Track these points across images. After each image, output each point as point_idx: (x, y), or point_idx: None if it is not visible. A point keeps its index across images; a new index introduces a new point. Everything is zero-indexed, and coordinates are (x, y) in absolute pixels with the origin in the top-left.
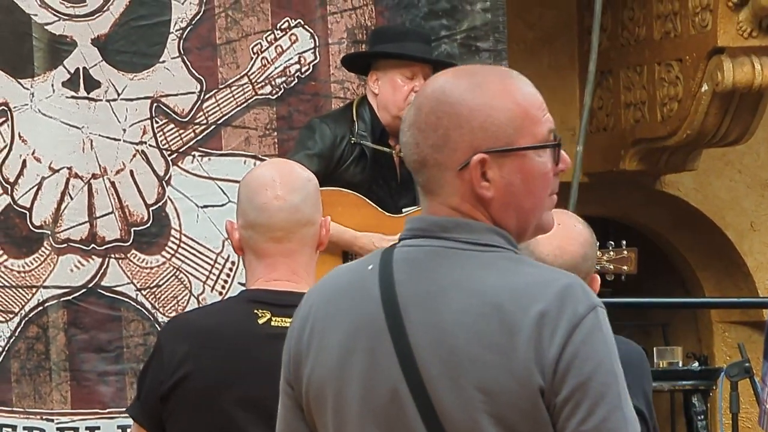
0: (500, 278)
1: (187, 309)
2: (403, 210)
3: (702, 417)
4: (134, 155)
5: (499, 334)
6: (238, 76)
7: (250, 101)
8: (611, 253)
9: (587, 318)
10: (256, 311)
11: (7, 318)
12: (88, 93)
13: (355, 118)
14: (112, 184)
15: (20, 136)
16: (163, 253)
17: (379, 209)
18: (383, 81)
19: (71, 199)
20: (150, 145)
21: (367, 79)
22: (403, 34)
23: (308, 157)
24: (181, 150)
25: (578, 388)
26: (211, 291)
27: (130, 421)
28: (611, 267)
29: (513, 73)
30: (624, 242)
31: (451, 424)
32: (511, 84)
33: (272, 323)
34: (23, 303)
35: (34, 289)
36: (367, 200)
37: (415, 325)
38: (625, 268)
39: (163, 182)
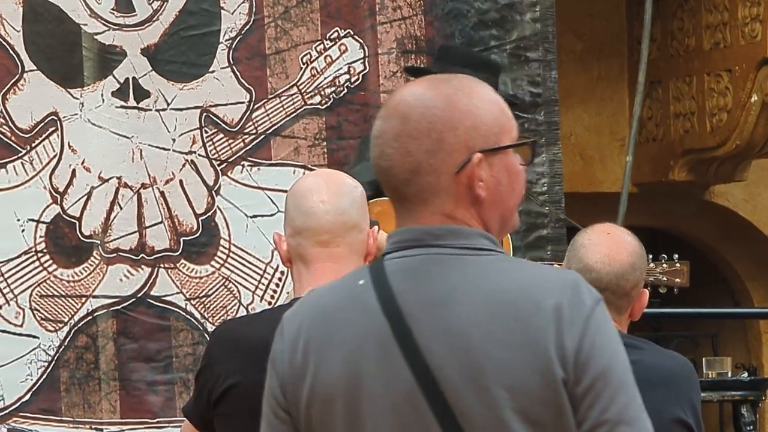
0: (505, 278)
1: None
2: None
3: (751, 427)
4: (184, 165)
5: (515, 330)
6: (288, 86)
7: (299, 111)
8: (664, 265)
9: (596, 310)
10: None
11: (57, 327)
12: (138, 103)
13: None
14: (162, 193)
15: (70, 146)
16: (213, 262)
17: None
18: None
19: (120, 208)
20: (199, 155)
21: None
22: (479, 63)
23: (369, 167)
24: (230, 160)
25: (599, 378)
26: (261, 300)
27: (179, 431)
28: (664, 279)
29: (475, 79)
30: (676, 255)
31: (473, 426)
32: (482, 87)
33: None
34: (72, 313)
35: (83, 299)
36: None
37: (425, 333)
38: (678, 280)
39: (213, 192)
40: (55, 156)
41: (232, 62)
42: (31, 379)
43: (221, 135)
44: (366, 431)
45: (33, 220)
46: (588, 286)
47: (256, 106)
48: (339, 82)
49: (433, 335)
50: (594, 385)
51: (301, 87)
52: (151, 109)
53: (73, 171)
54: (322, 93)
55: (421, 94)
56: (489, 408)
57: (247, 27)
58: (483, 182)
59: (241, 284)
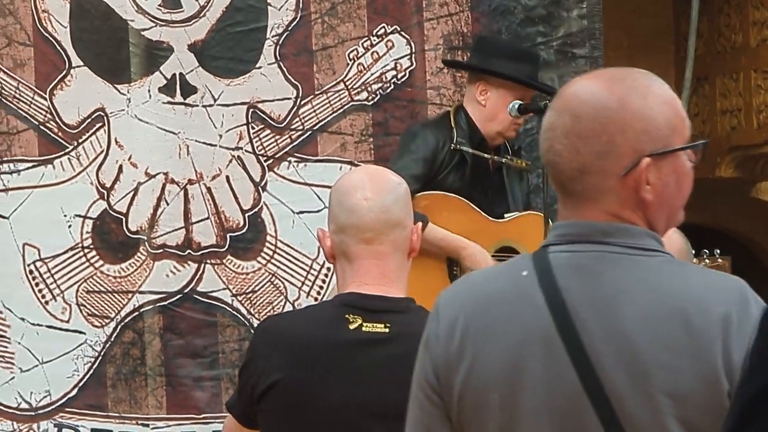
0: (674, 283)
1: None
2: (506, 215)
3: None
4: (230, 161)
5: (684, 337)
6: (334, 82)
7: (346, 107)
8: (706, 260)
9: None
10: (347, 316)
11: (103, 323)
12: (185, 98)
13: (453, 126)
14: (208, 189)
15: (117, 142)
16: (259, 258)
17: (483, 214)
18: (494, 96)
19: (167, 204)
20: (246, 151)
21: (472, 85)
22: (519, 54)
23: (414, 160)
24: (277, 156)
25: None
26: (307, 297)
27: None
28: None
29: (652, 75)
30: (717, 251)
31: (635, 430)
32: (659, 85)
33: (363, 329)
34: (119, 308)
35: (129, 295)
36: (471, 205)
37: (591, 333)
38: None
39: (259, 188)
40: (101, 152)
41: (278, 58)
42: (78, 375)
43: (268, 131)
44: (521, 429)
45: (80, 215)
46: (754, 295)
47: (302, 102)
48: (385, 78)
49: (599, 336)
50: None
51: (347, 83)
52: (197, 105)
53: (120, 167)
54: (369, 89)
55: (595, 92)
56: (652, 414)
57: (294, 23)
58: (650, 185)
59: (287, 280)
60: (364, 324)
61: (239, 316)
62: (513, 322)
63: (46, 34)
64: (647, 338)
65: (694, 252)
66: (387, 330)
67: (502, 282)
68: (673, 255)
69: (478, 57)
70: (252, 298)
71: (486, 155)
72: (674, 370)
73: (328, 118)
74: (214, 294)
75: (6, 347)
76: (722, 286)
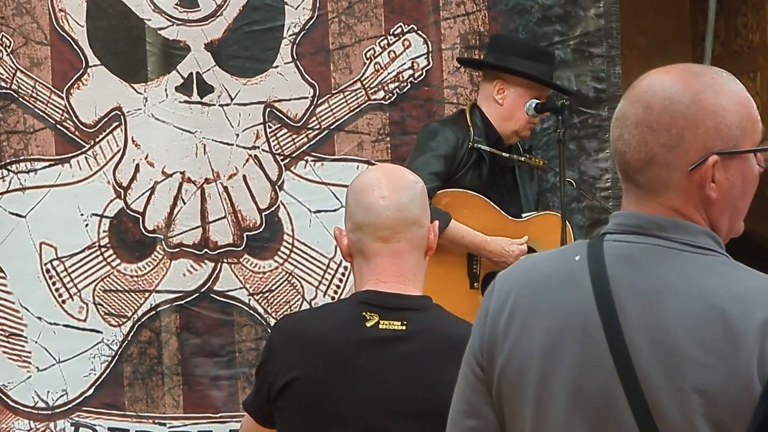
0: (720, 283)
1: None
2: (523, 215)
3: None
4: (247, 160)
5: (722, 339)
6: (351, 81)
7: (363, 106)
8: None
9: None
10: (364, 314)
11: (120, 322)
12: (201, 98)
13: (470, 124)
14: (225, 188)
15: (133, 141)
16: (276, 257)
17: (503, 213)
18: (511, 95)
19: (184, 203)
20: (263, 150)
21: (488, 83)
22: (536, 53)
23: (435, 157)
24: (293, 155)
25: None
26: (324, 296)
27: None
28: None
29: (728, 74)
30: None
31: (665, 425)
32: (735, 85)
33: (380, 326)
34: (136, 307)
35: (146, 294)
36: (492, 203)
37: (632, 324)
38: None
39: (276, 187)
40: (118, 151)
41: (295, 57)
42: (95, 374)
43: (285, 130)
44: (552, 411)
45: (96, 214)
46: None
47: (319, 102)
48: (402, 77)
49: (639, 328)
50: None
51: (364, 82)
52: (214, 104)
53: (137, 166)
54: (386, 88)
55: (670, 85)
56: (682, 410)
57: (311, 22)
58: (715, 184)
59: (304, 279)
60: (381, 321)
61: (256, 315)
62: (557, 305)
63: (63, 33)
64: (685, 335)
65: None
66: (404, 327)
67: (555, 264)
68: (728, 256)
69: (495, 55)
70: (269, 297)
71: (504, 154)
72: (708, 370)
73: (345, 118)
74: (230, 293)
75: (23, 346)
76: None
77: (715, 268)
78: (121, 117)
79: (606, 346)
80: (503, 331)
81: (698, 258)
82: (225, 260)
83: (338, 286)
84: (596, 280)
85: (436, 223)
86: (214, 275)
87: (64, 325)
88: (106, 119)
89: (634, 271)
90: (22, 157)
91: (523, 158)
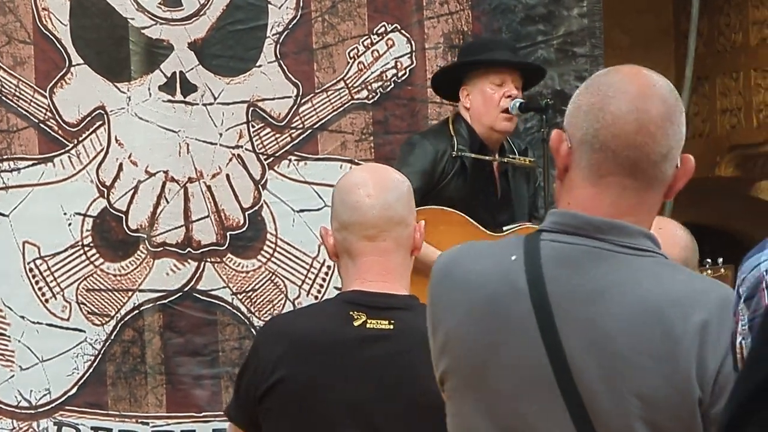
0: (659, 285)
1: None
2: (504, 228)
3: None
4: (230, 159)
5: (660, 341)
6: (335, 81)
7: (346, 105)
8: (708, 270)
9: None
10: (351, 313)
11: (103, 321)
12: (185, 97)
13: (452, 134)
14: (208, 188)
15: (117, 140)
16: (259, 257)
17: (481, 228)
18: (473, 94)
19: (167, 202)
20: (246, 149)
21: (460, 95)
22: (488, 44)
23: (412, 173)
24: (277, 154)
25: None
26: (307, 295)
27: (225, 425)
28: None
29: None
30: (721, 259)
31: (603, 429)
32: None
33: (368, 325)
34: (119, 306)
35: (129, 293)
36: (469, 219)
37: (569, 325)
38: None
39: (259, 186)
40: (102, 150)
41: (279, 56)
42: (78, 373)
43: (268, 129)
44: (496, 409)
45: (80, 213)
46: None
47: (303, 101)
48: (386, 76)
49: (575, 330)
50: None
51: (348, 81)
52: (198, 104)
53: (120, 165)
54: (369, 88)
55: (664, 83)
56: (620, 413)
57: (294, 21)
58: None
59: (287, 279)
60: (369, 320)
61: (239, 314)
62: (493, 304)
63: (47, 32)
64: (623, 338)
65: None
66: (391, 327)
67: (490, 262)
68: (666, 255)
69: (462, 60)
70: (252, 297)
71: (487, 157)
72: (646, 373)
73: (329, 117)
74: (214, 292)
75: (6, 345)
76: (706, 293)
77: (653, 270)
78: (105, 116)
79: (543, 350)
80: (436, 319)
81: (636, 260)
82: (208, 259)
83: (321, 286)
84: (533, 282)
85: (422, 222)
86: (198, 274)
87: (48, 325)
88: (89, 118)
89: (571, 273)
90: (5, 156)
91: (506, 159)
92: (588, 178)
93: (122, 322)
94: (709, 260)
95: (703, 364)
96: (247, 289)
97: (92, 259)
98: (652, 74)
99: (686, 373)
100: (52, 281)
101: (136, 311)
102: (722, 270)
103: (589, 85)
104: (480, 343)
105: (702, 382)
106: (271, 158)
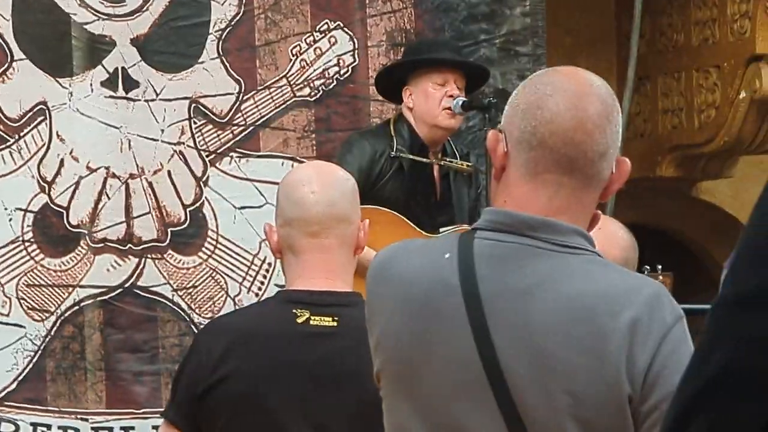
0: (589, 282)
1: (223, 310)
2: (441, 230)
3: None
4: (172, 156)
5: (590, 339)
6: (277, 78)
7: (288, 103)
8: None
9: (675, 328)
10: (294, 311)
11: (43, 317)
12: (127, 93)
13: (393, 134)
14: (150, 184)
15: (58, 135)
16: (200, 253)
17: (417, 228)
18: (416, 94)
19: (108, 198)
20: (188, 146)
21: (403, 97)
22: (431, 44)
23: (349, 173)
24: (218, 151)
25: (665, 399)
26: (248, 292)
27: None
28: None
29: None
30: (660, 266)
31: (534, 426)
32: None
33: (311, 322)
34: (59, 302)
35: (70, 289)
36: (405, 219)
37: (500, 323)
38: None
39: (201, 183)
40: (43, 145)
41: (221, 53)
42: (17, 369)
43: (210, 126)
44: (430, 406)
45: (20, 209)
46: (671, 301)
47: (245, 98)
48: (328, 74)
49: (506, 328)
50: (659, 406)
51: (290, 79)
52: (140, 100)
53: (62, 160)
54: (312, 85)
55: (601, 83)
56: (550, 410)
57: (237, 18)
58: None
59: (228, 275)
60: (312, 317)
61: (180, 311)
62: (424, 302)
63: None
64: (553, 335)
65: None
66: (335, 323)
67: (424, 260)
68: (600, 253)
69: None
70: (193, 293)
71: (425, 160)
72: (577, 371)
73: (271, 114)
74: (154, 289)
75: None
76: (637, 290)
77: (584, 267)
78: (47, 111)
79: (474, 348)
80: (370, 313)
81: (568, 258)
82: (149, 256)
83: (262, 283)
84: (465, 280)
85: (366, 221)
86: (138, 271)
87: None
88: (31, 113)
89: (502, 271)
90: None
91: (442, 162)
92: (524, 176)
93: (62, 317)
94: (647, 267)
95: (633, 361)
96: (188, 286)
97: (33, 254)
98: (591, 75)
99: (616, 370)
100: None
101: (77, 307)
102: (660, 277)
103: (527, 85)
104: (412, 340)
105: (632, 379)
106: (213, 155)
